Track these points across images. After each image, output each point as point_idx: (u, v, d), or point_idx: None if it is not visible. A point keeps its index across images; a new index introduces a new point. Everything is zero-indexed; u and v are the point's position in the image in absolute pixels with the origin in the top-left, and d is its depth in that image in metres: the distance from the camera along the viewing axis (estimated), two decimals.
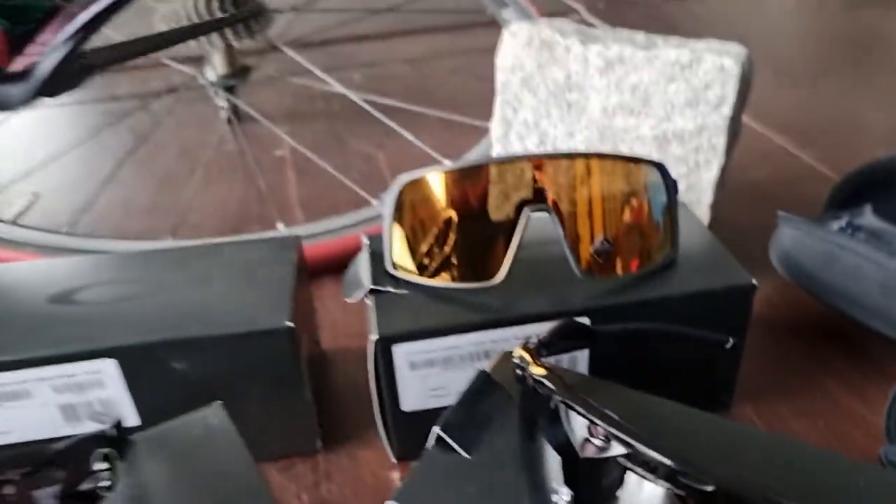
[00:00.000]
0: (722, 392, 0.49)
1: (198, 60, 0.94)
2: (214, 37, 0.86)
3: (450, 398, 0.44)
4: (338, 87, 0.94)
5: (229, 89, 0.93)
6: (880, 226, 0.55)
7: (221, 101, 0.95)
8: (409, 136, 0.84)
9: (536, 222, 0.47)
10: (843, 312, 0.53)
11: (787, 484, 0.25)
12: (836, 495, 0.29)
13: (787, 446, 0.34)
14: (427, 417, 0.44)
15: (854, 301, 0.51)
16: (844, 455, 0.32)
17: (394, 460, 0.47)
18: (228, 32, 0.84)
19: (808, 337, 0.56)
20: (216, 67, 0.91)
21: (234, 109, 0.96)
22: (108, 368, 0.41)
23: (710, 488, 0.24)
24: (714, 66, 0.54)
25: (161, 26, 0.89)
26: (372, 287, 0.45)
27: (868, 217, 0.56)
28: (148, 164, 0.89)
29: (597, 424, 0.27)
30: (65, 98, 1.01)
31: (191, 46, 0.87)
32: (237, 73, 0.92)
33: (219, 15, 0.88)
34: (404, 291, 0.45)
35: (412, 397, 0.43)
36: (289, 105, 1.02)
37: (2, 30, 0.39)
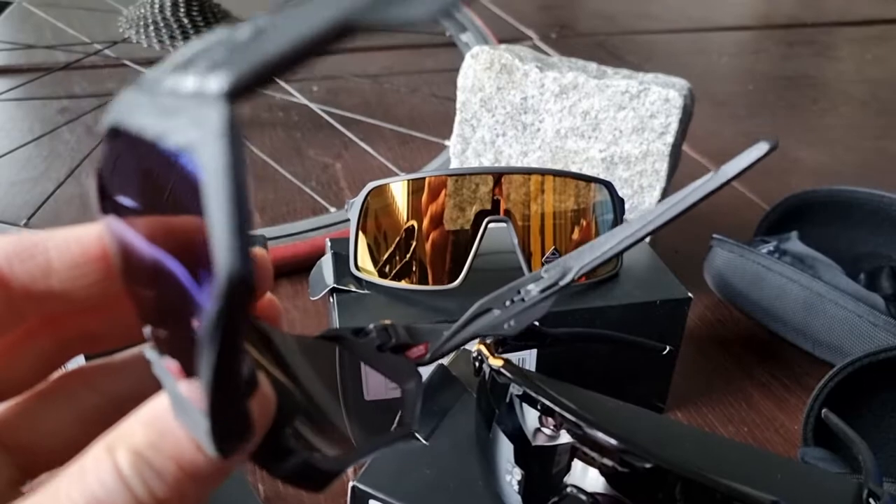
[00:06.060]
0: (656, 397, 0.53)
1: (157, 63, 0.96)
2: (178, 41, 0.88)
3: None
4: (298, 97, 0.96)
5: None
6: (804, 251, 0.60)
7: None
8: (368, 149, 0.87)
9: (492, 232, 0.50)
10: (768, 328, 0.57)
11: (716, 468, 0.28)
12: (759, 479, 0.33)
13: (717, 440, 0.38)
14: (388, 408, 0.46)
15: (779, 318, 0.56)
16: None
17: None
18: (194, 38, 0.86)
19: (735, 351, 0.60)
20: None
21: None
22: None
23: (648, 465, 0.28)
24: (660, 97, 0.58)
25: (126, 31, 0.91)
26: (335, 287, 0.48)
27: (794, 243, 0.61)
28: None
29: (551, 409, 0.31)
30: (22, 93, 1.02)
31: (152, 49, 0.89)
32: None
33: (184, 21, 0.90)
34: (366, 292, 0.48)
35: (375, 388, 0.46)
36: (248, 112, 1.04)
37: None
